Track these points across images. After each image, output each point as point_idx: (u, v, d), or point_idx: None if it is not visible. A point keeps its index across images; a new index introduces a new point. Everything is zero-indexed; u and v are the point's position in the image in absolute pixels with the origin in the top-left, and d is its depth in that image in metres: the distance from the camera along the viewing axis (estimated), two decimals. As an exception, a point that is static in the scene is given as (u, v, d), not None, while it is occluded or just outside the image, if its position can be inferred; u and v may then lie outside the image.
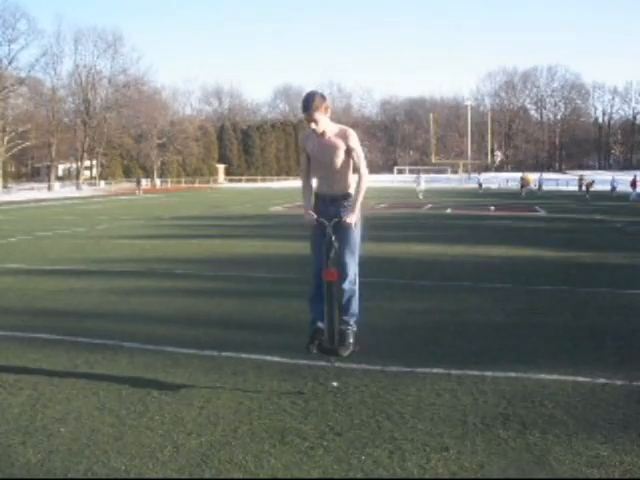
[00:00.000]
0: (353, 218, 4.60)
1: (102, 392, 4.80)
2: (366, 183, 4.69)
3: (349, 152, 4.63)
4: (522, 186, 49.06)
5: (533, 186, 52.92)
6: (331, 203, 4.72)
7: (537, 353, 5.79)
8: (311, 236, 4.83)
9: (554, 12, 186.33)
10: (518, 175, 59.31)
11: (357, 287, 4.76)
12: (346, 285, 4.66)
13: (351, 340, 4.74)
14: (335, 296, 4.63)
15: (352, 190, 4.74)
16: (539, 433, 4.00)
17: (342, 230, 4.64)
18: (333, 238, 4.62)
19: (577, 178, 56.33)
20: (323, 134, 4.59)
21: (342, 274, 4.62)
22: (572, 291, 8.97)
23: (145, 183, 68.08)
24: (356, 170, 4.67)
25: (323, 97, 4.55)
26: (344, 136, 4.61)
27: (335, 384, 4.84)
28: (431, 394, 4.73)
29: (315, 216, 4.70)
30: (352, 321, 4.78)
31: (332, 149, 4.61)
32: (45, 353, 5.82)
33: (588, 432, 4.02)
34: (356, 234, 4.70)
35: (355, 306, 4.77)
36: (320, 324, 4.76)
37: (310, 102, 4.48)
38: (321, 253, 4.69)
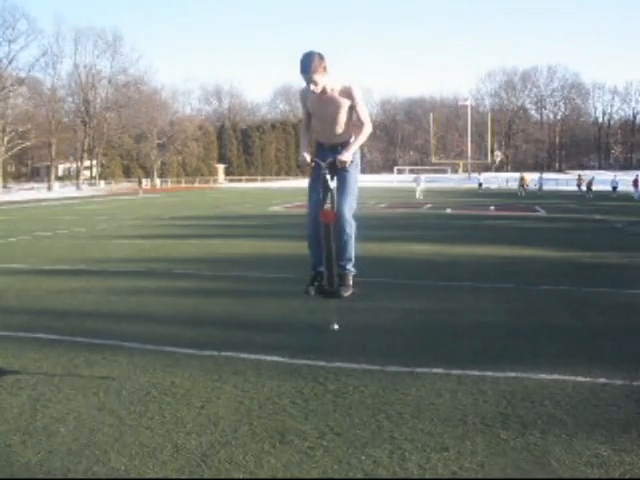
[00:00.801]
0: (348, 156, 4.56)
1: (102, 392, 4.80)
2: (369, 130, 4.67)
3: (352, 107, 4.60)
4: (521, 186, 49.33)
5: (533, 185, 53.43)
6: (330, 150, 4.73)
7: (537, 353, 5.79)
8: (309, 180, 4.85)
9: (553, 11, 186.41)
10: (518, 175, 59.55)
11: (354, 230, 4.71)
12: (342, 226, 4.62)
13: (350, 282, 4.75)
14: (333, 238, 4.61)
15: (352, 137, 4.72)
16: (539, 433, 4.00)
17: (338, 170, 4.63)
18: (328, 178, 4.60)
19: (576, 178, 56.44)
20: (324, 91, 4.54)
21: (338, 215, 4.59)
22: (572, 291, 8.97)
23: (145, 183, 68.01)
24: (360, 120, 4.66)
25: (321, 57, 4.46)
26: (347, 94, 4.56)
27: (336, 327, 4.82)
28: (431, 394, 4.72)
29: (309, 157, 4.70)
30: (350, 265, 4.77)
31: (334, 107, 4.59)
32: (45, 353, 5.81)
33: (588, 432, 4.02)
34: (352, 175, 4.70)
35: (351, 250, 4.74)
36: (320, 268, 4.75)
37: (308, 63, 4.41)
38: (317, 194, 4.70)
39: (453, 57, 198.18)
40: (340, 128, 4.66)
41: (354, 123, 4.69)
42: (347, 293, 4.73)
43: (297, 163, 4.82)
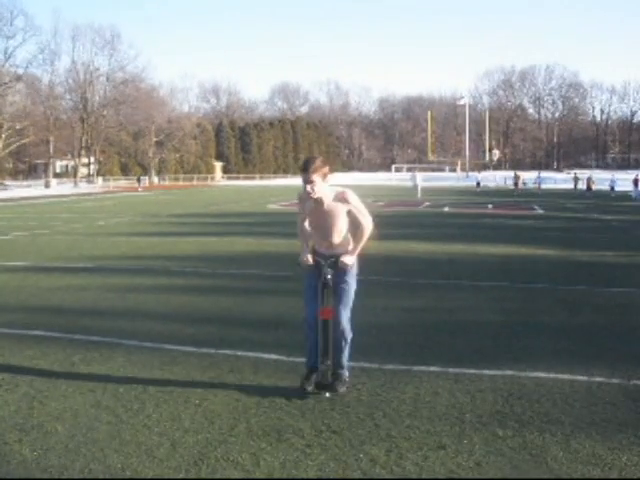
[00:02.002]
0: (350, 259, 4.64)
1: (99, 390, 4.80)
2: (368, 231, 4.69)
3: (349, 212, 4.64)
4: (515, 184, 50.27)
5: (532, 184, 54.00)
6: (329, 265, 4.70)
7: (534, 352, 5.79)
8: (305, 280, 4.87)
9: (552, 10, 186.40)
10: (522, 174, 60.17)
11: (349, 338, 4.74)
12: (339, 333, 4.66)
13: (345, 379, 4.78)
14: (330, 334, 4.65)
15: (351, 246, 4.76)
16: (536, 431, 4.00)
17: (338, 272, 4.66)
18: (329, 276, 4.63)
19: (572, 177, 56.71)
20: (321, 202, 4.59)
21: (335, 322, 4.65)
22: (569, 290, 8.98)
23: (143, 181, 67.94)
24: (357, 224, 4.68)
25: (324, 162, 4.58)
26: (343, 199, 4.61)
27: (327, 395, 4.71)
28: (428, 392, 4.73)
29: (311, 258, 4.74)
30: (344, 370, 4.79)
31: (332, 215, 4.62)
32: (42, 350, 5.81)
33: (585, 430, 4.02)
34: (351, 285, 4.72)
35: (345, 356, 4.77)
36: (314, 365, 4.78)
37: (309, 164, 4.51)
38: (314, 292, 4.72)
39: (451, 55, 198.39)
40: (338, 238, 4.69)
41: (353, 231, 4.72)
42: (342, 389, 4.70)
43: (297, 263, 4.82)
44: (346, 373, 4.81)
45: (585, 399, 4.59)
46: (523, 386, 4.85)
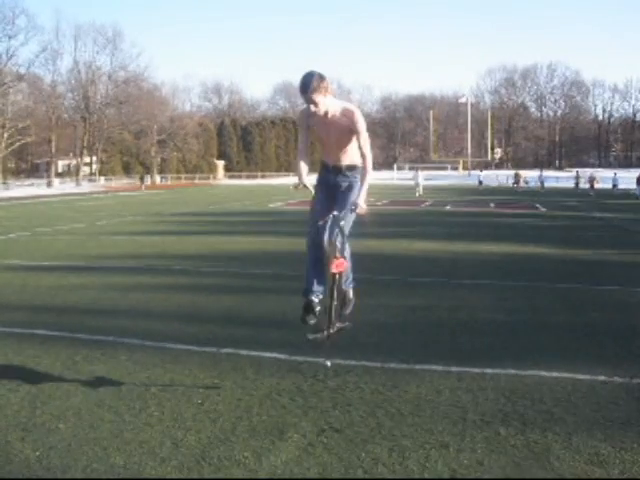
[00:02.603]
0: (362, 202, 4.49)
1: (101, 388, 4.80)
2: (370, 165, 4.58)
3: (354, 133, 4.49)
4: (516, 183, 50.87)
5: (534, 183, 54.47)
6: (334, 172, 4.66)
7: (537, 350, 5.79)
8: (312, 205, 4.74)
9: (554, 9, 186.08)
10: (522, 172, 60.65)
11: (345, 240, 4.61)
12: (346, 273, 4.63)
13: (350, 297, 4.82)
14: (338, 287, 4.59)
15: (356, 161, 4.64)
16: (539, 431, 4.00)
17: (347, 205, 4.55)
18: (342, 223, 4.50)
19: (574, 175, 56.96)
20: (326, 114, 4.41)
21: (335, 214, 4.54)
22: (572, 288, 8.96)
23: (145, 180, 68.03)
24: (361, 152, 4.57)
25: (322, 77, 4.31)
26: (350, 117, 4.43)
27: (329, 363, 4.75)
28: (431, 391, 4.72)
29: (306, 182, 4.61)
30: (350, 291, 4.85)
31: (337, 131, 4.48)
32: (44, 349, 5.81)
33: (588, 430, 4.02)
34: (353, 217, 4.63)
35: (349, 283, 4.82)
36: (311, 296, 4.77)
37: (308, 83, 4.27)
38: (321, 206, 4.61)
39: (453, 54, 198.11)
40: (344, 151, 4.59)
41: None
42: (347, 310, 4.78)
43: (293, 186, 4.70)
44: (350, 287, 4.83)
45: (588, 398, 4.58)
46: (525, 385, 4.84)
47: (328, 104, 4.37)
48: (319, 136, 4.65)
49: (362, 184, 4.57)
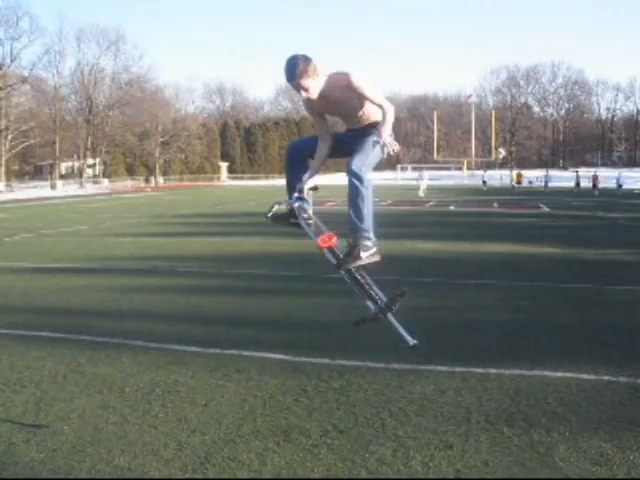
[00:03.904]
0: (387, 137, 3.88)
1: (105, 390, 4.80)
2: (390, 110, 3.98)
3: (360, 95, 3.95)
4: (517, 182, 51.47)
5: (537, 182, 54.89)
6: (355, 132, 4.13)
7: (541, 350, 5.78)
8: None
9: (557, 8, 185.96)
10: (523, 172, 61.01)
11: (370, 192, 3.99)
12: (352, 184, 3.92)
13: (361, 252, 3.96)
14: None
15: (378, 117, 4.08)
16: (543, 431, 3.99)
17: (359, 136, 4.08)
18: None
19: (574, 175, 57.23)
20: (323, 96, 3.95)
21: (348, 172, 3.92)
22: (576, 288, 8.95)
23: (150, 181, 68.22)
24: (376, 105, 4.00)
25: (306, 59, 3.86)
26: (345, 82, 3.91)
27: (415, 342, 4.06)
28: (435, 392, 4.72)
29: (307, 186, 4.17)
30: (364, 237, 4.00)
31: (342, 102, 3.99)
32: (48, 351, 5.82)
33: (592, 430, 4.01)
34: (374, 145, 3.98)
35: (365, 216, 4.01)
36: (294, 193, 4.26)
37: (292, 69, 3.81)
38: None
39: (456, 54, 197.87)
40: (360, 117, 4.08)
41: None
42: (353, 264, 3.94)
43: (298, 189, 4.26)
44: (367, 243, 3.98)
45: (592, 398, 4.57)
46: (530, 385, 4.84)
47: (320, 85, 3.91)
48: (330, 115, 4.20)
49: (384, 120, 3.96)
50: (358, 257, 3.93)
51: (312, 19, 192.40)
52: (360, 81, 3.92)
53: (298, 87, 3.84)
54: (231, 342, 6.07)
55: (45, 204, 36.22)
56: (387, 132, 3.88)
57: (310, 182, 4.19)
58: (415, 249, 13.69)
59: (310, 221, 4.22)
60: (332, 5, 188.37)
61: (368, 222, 4.00)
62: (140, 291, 8.86)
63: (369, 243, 3.98)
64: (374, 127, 4.06)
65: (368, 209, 3.98)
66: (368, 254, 3.96)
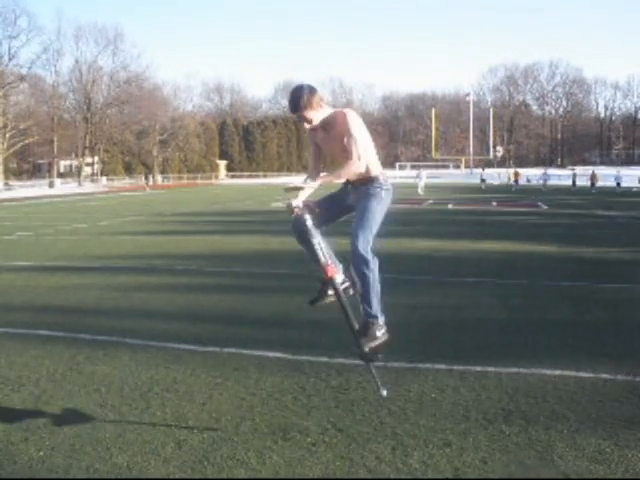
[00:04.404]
0: (313, 184, 3.98)
1: (104, 389, 4.80)
2: (353, 166, 3.96)
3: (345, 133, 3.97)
4: (515, 181, 51.65)
5: (535, 181, 55.07)
6: (352, 189, 4.14)
7: (539, 349, 5.78)
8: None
9: (555, 6, 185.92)
10: (521, 171, 61.05)
11: (375, 268, 4.03)
12: (356, 263, 3.98)
13: (376, 331, 4.01)
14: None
15: (377, 173, 4.14)
16: (542, 429, 3.99)
17: (359, 196, 4.10)
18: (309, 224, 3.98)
19: (571, 173, 57.51)
20: (325, 128, 4.04)
21: (351, 250, 3.97)
22: (574, 286, 8.95)
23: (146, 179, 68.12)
24: (350, 149, 3.96)
25: (312, 90, 3.92)
26: (342, 119, 3.96)
27: (385, 393, 4.03)
28: (433, 390, 4.72)
29: (300, 204, 4.04)
30: (373, 311, 4.05)
31: (339, 140, 4.00)
32: (47, 350, 5.81)
33: (591, 428, 4.01)
34: (376, 202, 4.07)
35: (372, 292, 4.03)
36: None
37: (297, 101, 3.88)
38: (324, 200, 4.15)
39: (455, 52, 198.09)
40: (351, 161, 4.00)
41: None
42: (371, 344, 3.96)
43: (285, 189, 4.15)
44: (378, 318, 4.03)
45: (591, 396, 4.57)
46: (528, 383, 4.84)
47: (322, 117, 3.97)
48: (324, 151, 4.23)
49: (343, 166, 3.98)
50: (374, 337, 4.04)
51: (311, 17, 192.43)
52: (354, 120, 3.95)
53: (302, 118, 3.92)
54: (230, 340, 6.07)
55: (43, 202, 36.18)
56: (331, 178, 3.97)
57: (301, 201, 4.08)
58: (414, 247, 13.70)
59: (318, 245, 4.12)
60: (331, 3, 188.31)
61: (376, 305, 4.07)
62: (138, 289, 8.86)
63: (381, 322, 4.10)
64: (371, 181, 4.12)
65: (375, 291, 4.05)
66: (382, 332, 4.09)
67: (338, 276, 4.10)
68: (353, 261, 3.99)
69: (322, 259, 4.07)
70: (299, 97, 3.88)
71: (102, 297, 8.26)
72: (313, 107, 3.90)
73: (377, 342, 4.02)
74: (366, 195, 4.09)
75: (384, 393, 3.99)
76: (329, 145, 4.13)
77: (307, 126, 4.00)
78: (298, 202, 4.07)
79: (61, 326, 6.68)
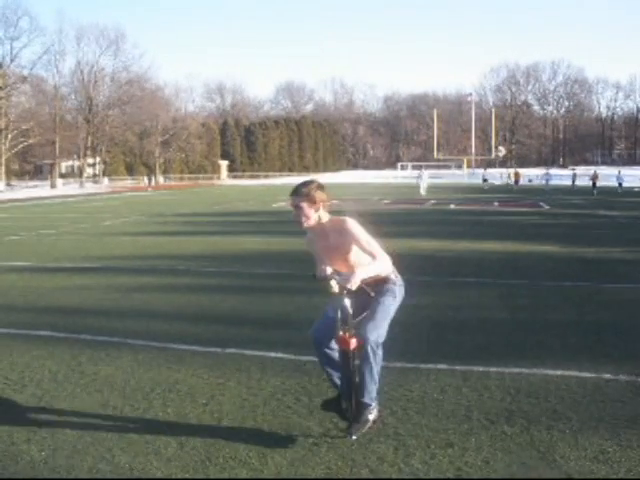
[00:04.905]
0: (353, 284, 3.79)
1: (106, 389, 4.80)
2: (381, 263, 3.97)
3: (355, 243, 3.91)
4: (515, 181, 51.69)
5: (537, 181, 54.99)
6: (357, 294, 3.92)
7: (541, 349, 5.78)
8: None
9: (557, 6, 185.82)
10: (522, 171, 61.12)
11: (379, 361, 3.95)
12: (365, 354, 3.88)
13: (367, 416, 3.91)
14: (352, 366, 3.91)
15: (389, 272, 4.13)
16: (544, 429, 3.99)
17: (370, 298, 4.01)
18: (347, 303, 3.87)
19: (571, 173, 57.51)
20: (321, 234, 3.96)
21: (363, 340, 3.84)
22: (576, 286, 8.95)
23: (148, 180, 68.17)
24: (370, 255, 3.93)
25: (319, 187, 3.89)
26: (341, 230, 3.89)
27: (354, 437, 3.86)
28: (435, 390, 4.72)
29: (329, 270, 3.94)
30: (368, 398, 3.95)
31: (336, 247, 3.93)
32: (49, 350, 5.82)
33: (593, 428, 4.01)
34: (386, 297, 4.09)
35: (372, 382, 3.96)
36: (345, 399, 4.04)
37: (301, 187, 3.86)
38: (327, 314, 4.05)
39: (456, 53, 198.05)
40: (350, 269, 3.94)
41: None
42: (358, 433, 3.85)
43: (313, 274, 4.01)
44: (371, 404, 3.95)
45: (593, 396, 4.57)
46: (530, 383, 4.84)
47: (317, 219, 3.88)
48: (324, 260, 4.04)
49: (370, 265, 3.93)
50: (367, 422, 3.91)
51: (313, 17, 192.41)
52: (354, 226, 3.90)
53: (294, 204, 3.86)
54: (231, 341, 6.07)
55: (45, 203, 36.20)
56: (360, 276, 3.81)
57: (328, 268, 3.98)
58: (416, 247, 13.69)
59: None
60: (333, 3, 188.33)
61: (374, 391, 3.99)
62: (140, 290, 8.86)
63: (373, 404, 3.98)
64: (385, 281, 4.12)
65: (375, 380, 3.97)
66: (374, 415, 3.98)
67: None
68: (363, 352, 3.88)
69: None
70: (304, 185, 3.89)
71: (104, 298, 8.26)
72: (310, 200, 3.84)
73: (367, 427, 3.92)
74: (381, 292, 4.08)
75: (353, 437, 3.86)
76: (329, 254, 4.01)
77: (294, 214, 3.90)
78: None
79: (63, 327, 6.68)
